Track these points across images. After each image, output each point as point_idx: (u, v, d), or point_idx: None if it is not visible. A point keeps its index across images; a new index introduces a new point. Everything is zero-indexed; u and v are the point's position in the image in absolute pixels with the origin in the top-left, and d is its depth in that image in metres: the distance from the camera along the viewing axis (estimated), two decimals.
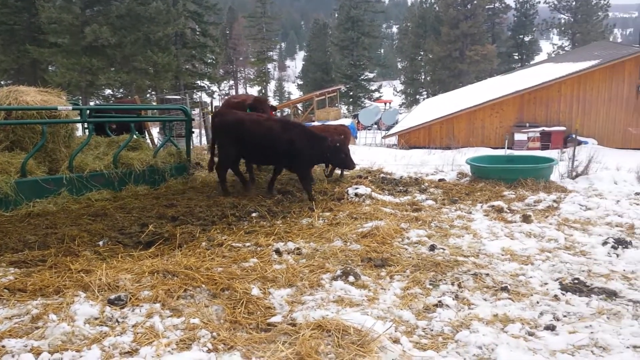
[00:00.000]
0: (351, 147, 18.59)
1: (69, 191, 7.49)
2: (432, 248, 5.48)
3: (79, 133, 10.53)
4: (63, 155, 8.11)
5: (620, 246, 5.56)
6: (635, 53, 27.20)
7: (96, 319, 3.74)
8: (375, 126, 42.59)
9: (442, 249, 5.49)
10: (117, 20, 39.51)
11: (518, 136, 26.91)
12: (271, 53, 79.98)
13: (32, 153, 7.42)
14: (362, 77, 67.22)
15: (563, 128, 26.73)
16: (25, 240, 5.54)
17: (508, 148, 22.52)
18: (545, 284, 4.68)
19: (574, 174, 9.91)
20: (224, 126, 7.81)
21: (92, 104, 36.16)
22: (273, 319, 3.82)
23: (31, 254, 5.10)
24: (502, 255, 5.43)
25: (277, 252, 5.26)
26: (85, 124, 9.87)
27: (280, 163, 8.04)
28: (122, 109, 11.26)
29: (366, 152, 17.19)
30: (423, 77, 69.95)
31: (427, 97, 57.24)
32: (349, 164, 7.85)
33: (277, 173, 8.25)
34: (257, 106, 8.90)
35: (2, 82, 40.25)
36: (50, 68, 43.63)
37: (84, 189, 7.70)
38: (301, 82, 79.67)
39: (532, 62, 57.14)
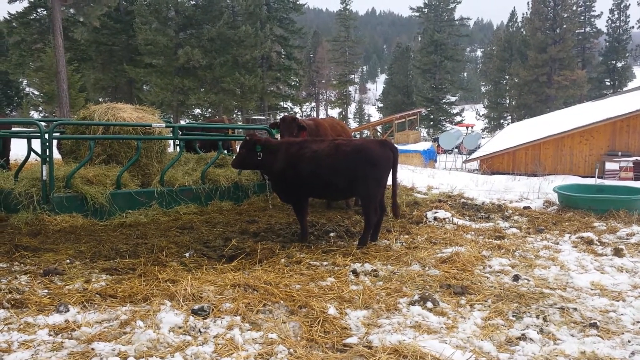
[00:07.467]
0: (431, 171, 18.38)
1: (159, 204, 7.89)
2: (516, 278, 5.27)
3: (170, 149, 11.09)
4: (155, 170, 8.55)
5: None
6: None
7: (180, 327, 3.86)
8: (456, 150, 41.79)
9: (527, 279, 5.26)
10: (208, 43, 41.56)
11: (609, 165, 25.49)
12: (353, 76, 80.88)
13: (127, 167, 7.88)
14: (443, 100, 66.47)
15: None
16: (117, 249, 5.87)
17: (598, 177, 21.36)
18: (638, 322, 4.36)
19: None
20: None
21: (182, 122, 37.96)
22: (349, 340, 3.80)
23: (122, 262, 5.39)
24: (592, 289, 5.12)
25: (354, 272, 5.26)
26: (177, 141, 10.40)
27: None
28: (211, 127, 11.78)
29: (446, 176, 16.88)
30: (508, 101, 68.10)
31: (512, 122, 55.48)
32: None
33: None
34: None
35: (100, 99, 43.25)
36: (145, 87, 46.40)
37: (173, 203, 8.07)
38: (381, 105, 79.76)
39: (625, 89, 54.02)
